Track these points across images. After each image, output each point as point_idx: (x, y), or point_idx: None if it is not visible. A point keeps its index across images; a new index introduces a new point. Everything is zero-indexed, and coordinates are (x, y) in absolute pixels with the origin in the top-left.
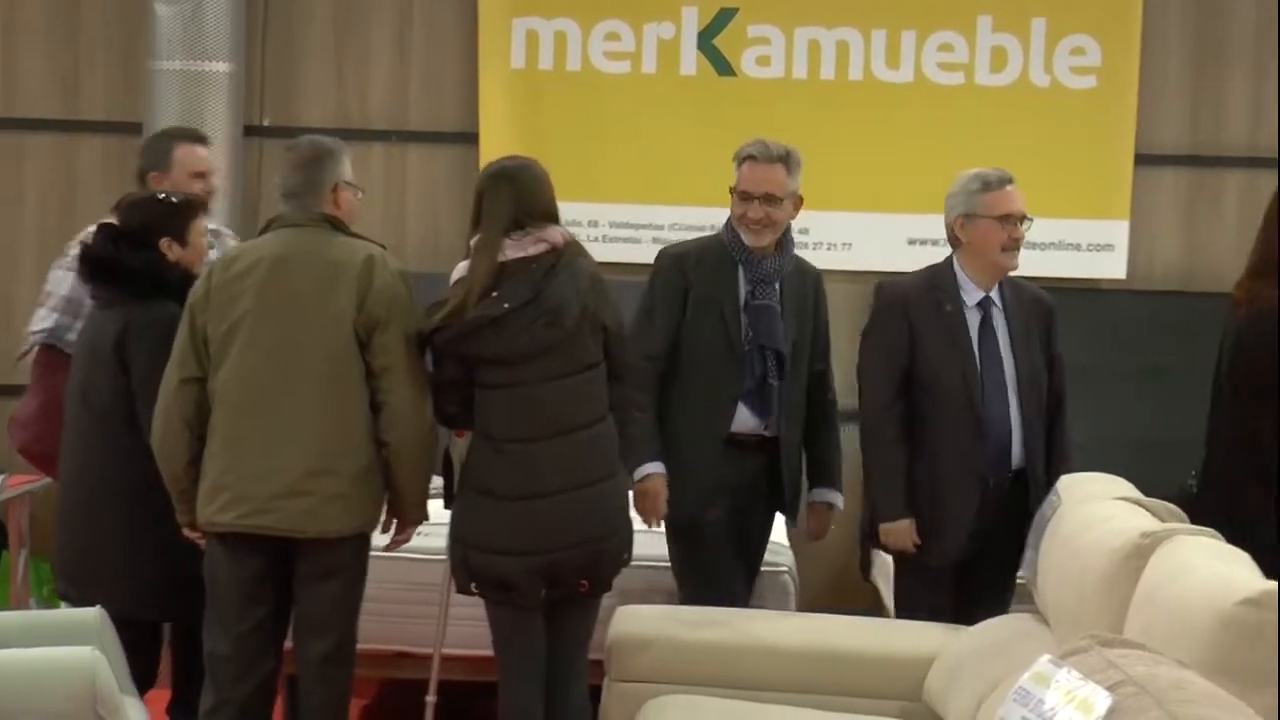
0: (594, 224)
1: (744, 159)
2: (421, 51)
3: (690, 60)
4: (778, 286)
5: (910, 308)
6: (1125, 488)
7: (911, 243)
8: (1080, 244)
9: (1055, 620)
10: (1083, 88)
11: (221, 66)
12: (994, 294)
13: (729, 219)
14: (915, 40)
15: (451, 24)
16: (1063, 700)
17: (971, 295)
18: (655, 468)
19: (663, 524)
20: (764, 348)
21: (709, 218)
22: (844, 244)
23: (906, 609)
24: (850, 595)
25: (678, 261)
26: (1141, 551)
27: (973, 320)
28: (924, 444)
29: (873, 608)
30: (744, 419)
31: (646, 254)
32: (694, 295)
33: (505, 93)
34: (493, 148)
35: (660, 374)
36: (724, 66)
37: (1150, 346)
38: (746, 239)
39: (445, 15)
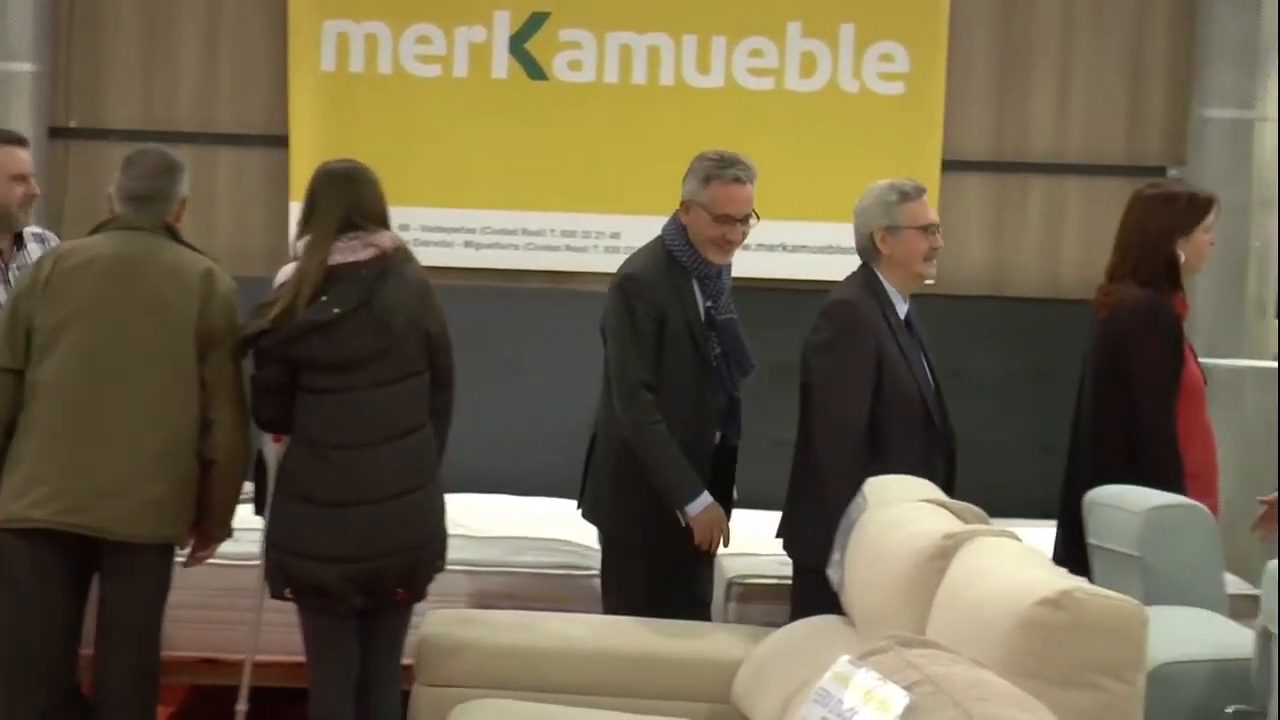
0: (405, 228)
1: (729, 180)
2: (230, 53)
3: (502, 64)
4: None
5: (871, 323)
6: (930, 490)
7: None
8: None
9: (861, 621)
10: (891, 94)
11: (25, 66)
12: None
13: (677, 231)
14: (726, 46)
15: (260, 26)
16: (861, 700)
17: (900, 307)
18: (706, 499)
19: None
20: (731, 362)
21: (521, 222)
22: None
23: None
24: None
25: (650, 289)
26: (944, 553)
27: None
28: (885, 459)
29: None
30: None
31: (459, 258)
32: (667, 318)
33: (315, 95)
34: (303, 150)
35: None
36: (536, 70)
37: (958, 350)
38: (714, 257)
39: (254, 17)
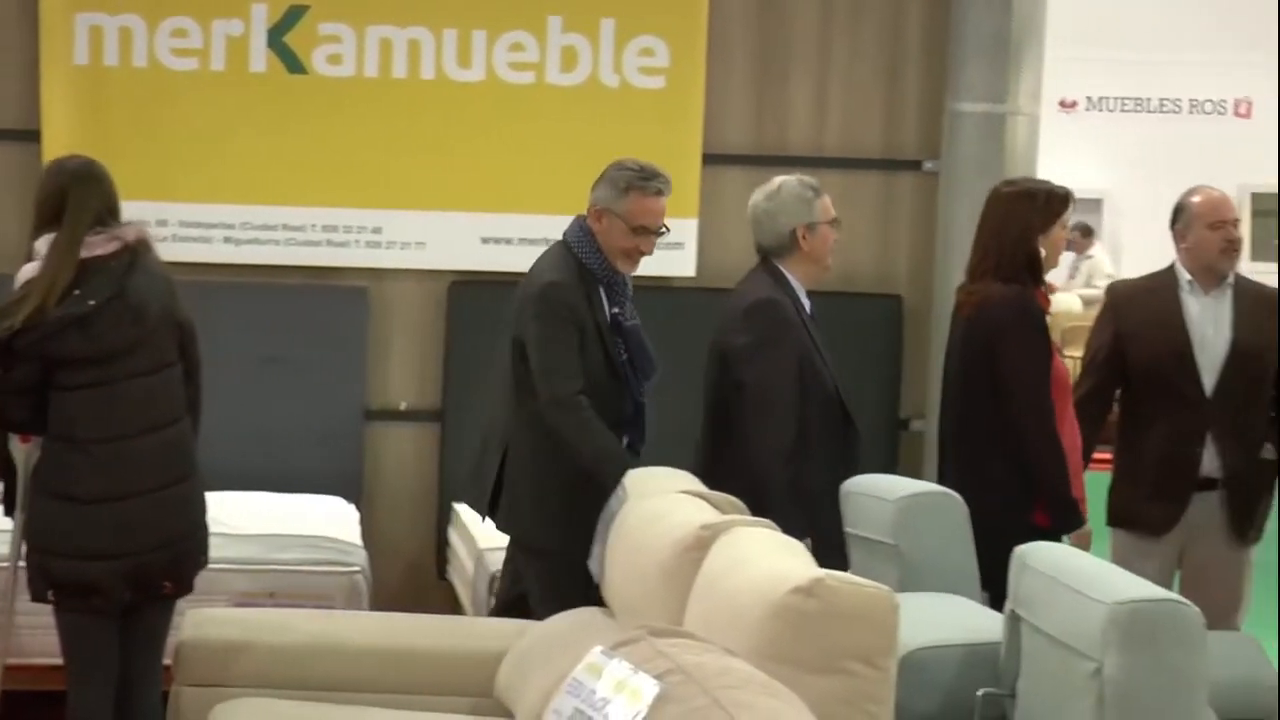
0: (163, 223)
1: (652, 192)
2: None
3: (260, 58)
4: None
5: (792, 319)
6: (689, 481)
7: (485, 241)
8: None
9: (620, 612)
10: (651, 88)
11: None
12: None
13: (585, 238)
14: (486, 40)
15: (11, 18)
16: (613, 690)
17: (807, 303)
18: None
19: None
20: (636, 367)
21: (281, 217)
22: (417, 243)
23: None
24: (426, 595)
25: (570, 294)
26: (701, 544)
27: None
28: (811, 454)
29: (449, 606)
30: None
31: (218, 253)
32: (584, 325)
33: (68, 89)
34: (56, 145)
35: None
36: (295, 64)
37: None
38: (623, 267)
39: (4, 9)
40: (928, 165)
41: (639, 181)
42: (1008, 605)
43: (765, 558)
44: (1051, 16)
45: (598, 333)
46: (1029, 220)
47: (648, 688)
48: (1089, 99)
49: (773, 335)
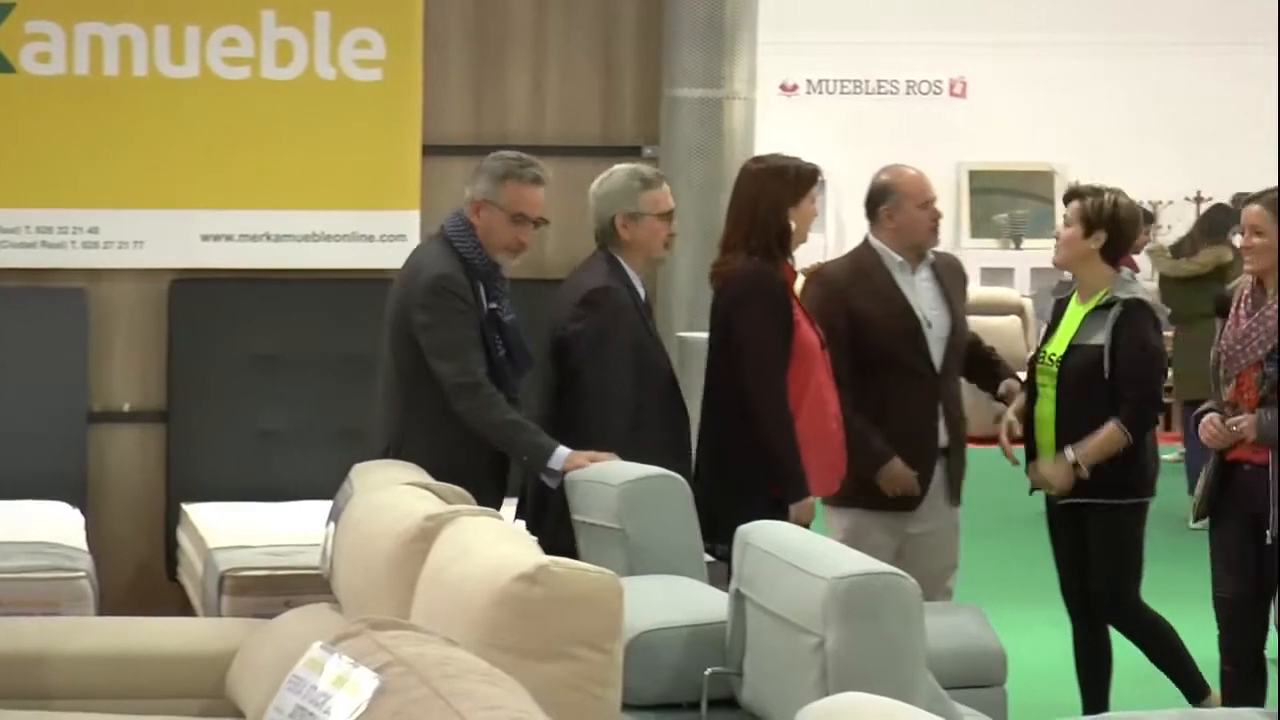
0: None
1: (528, 179)
2: None
3: None
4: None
5: (627, 307)
6: (415, 473)
7: (206, 239)
8: (373, 235)
9: (348, 606)
10: (369, 80)
11: None
12: None
13: (465, 232)
14: (200, 35)
15: None
16: (333, 685)
17: (640, 289)
18: (564, 449)
19: None
20: (514, 362)
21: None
22: (136, 242)
23: None
24: (157, 597)
25: (460, 286)
26: (426, 534)
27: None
28: (648, 438)
29: (180, 608)
30: None
31: None
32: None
33: None
34: None
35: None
36: (2, 64)
37: None
38: (505, 260)
39: None
40: (647, 151)
41: (516, 169)
42: (732, 584)
43: (490, 546)
44: (769, 1)
45: (479, 329)
46: (780, 195)
47: (367, 681)
48: (809, 81)
49: (606, 324)
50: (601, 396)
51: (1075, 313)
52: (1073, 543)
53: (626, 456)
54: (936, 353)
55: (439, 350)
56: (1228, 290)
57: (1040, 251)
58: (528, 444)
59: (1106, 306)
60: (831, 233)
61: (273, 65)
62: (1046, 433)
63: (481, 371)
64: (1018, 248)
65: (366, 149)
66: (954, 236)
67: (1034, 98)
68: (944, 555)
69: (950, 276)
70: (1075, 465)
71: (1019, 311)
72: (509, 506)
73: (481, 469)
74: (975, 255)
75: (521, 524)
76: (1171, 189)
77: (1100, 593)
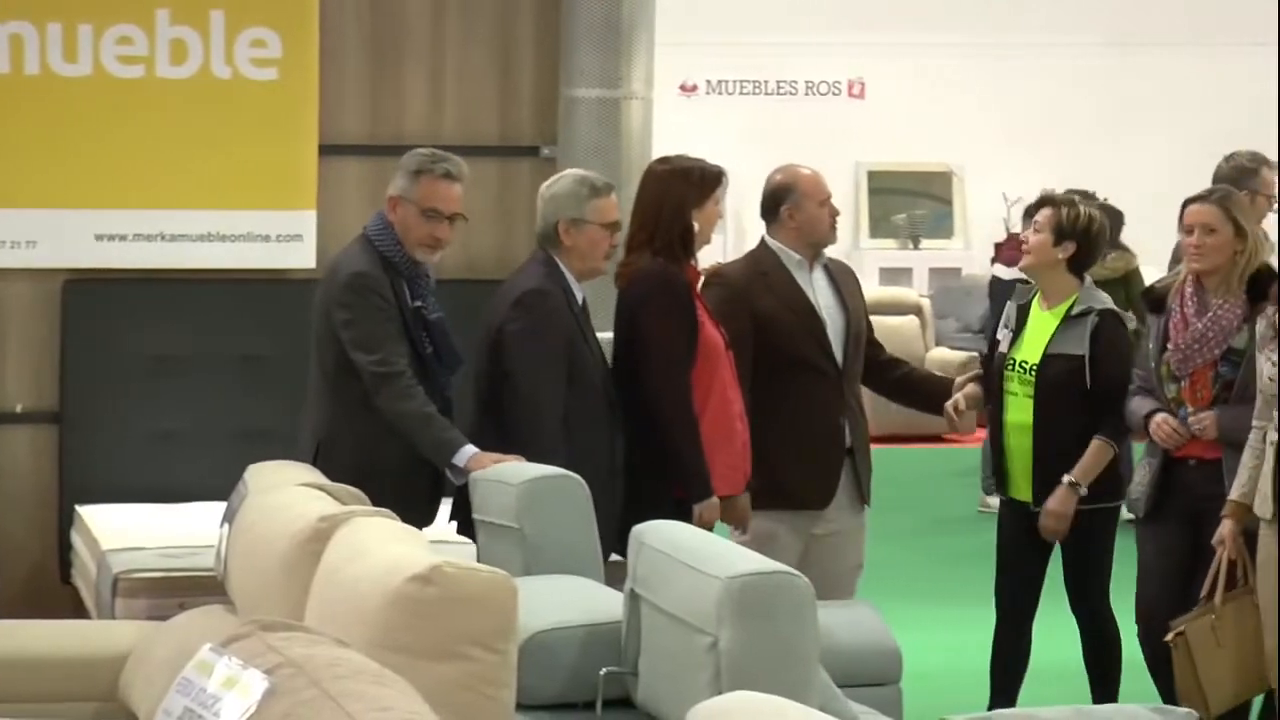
0: None
1: (440, 175)
2: None
3: None
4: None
5: (561, 309)
6: (310, 474)
7: (100, 239)
8: (269, 235)
9: (242, 608)
10: (265, 79)
11: None
12: None
13: (384, 230)
14: (93, 33)
15: None
16: (223, 687)
17: (578, 293)
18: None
19: None
20: (442, 359)
21: None
22: (29, 242)
23: None
24: (50, 599)
25: (377, 284)
26: (320, 535)
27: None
28: (574, 440)
29: (73, 610)
30: None
31: None
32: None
33: None
34: None
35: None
36: None
37: None
38: (423, 256)
39: None
40: (545, 151)
41: (428, 165)
42: (627, 584)
43: (384, 547)
44: (668, 2)
45: (403, 325)
46: (684, 196)
47: (257, 683)
48: (708, 82)
49: (538, 325)
50: (532, 398)
51: (1044, 320)
52: (1028, 541)
53: (556, 459)
54: (838, 351)
55: (360, 343)
56: (1159, 288)
57: (939, 252)
58: (433, 439)
59: (1080, 316)
60: (731, 233)
61: (167, 64)
62: (1022, 439)
63: (403, 363)
64: (916, 248)
65: (262, 149)
66: (853, 237)
67: (933, 98)
68: (850, 556)
69: (843, 276)
70: (1074, 485)
71: (917, 311)
72: (448, 505)
73: (410, 466)
74: (874, 255)
75: (454, 525)
76: (1064, 188)
77: (1075, 588)
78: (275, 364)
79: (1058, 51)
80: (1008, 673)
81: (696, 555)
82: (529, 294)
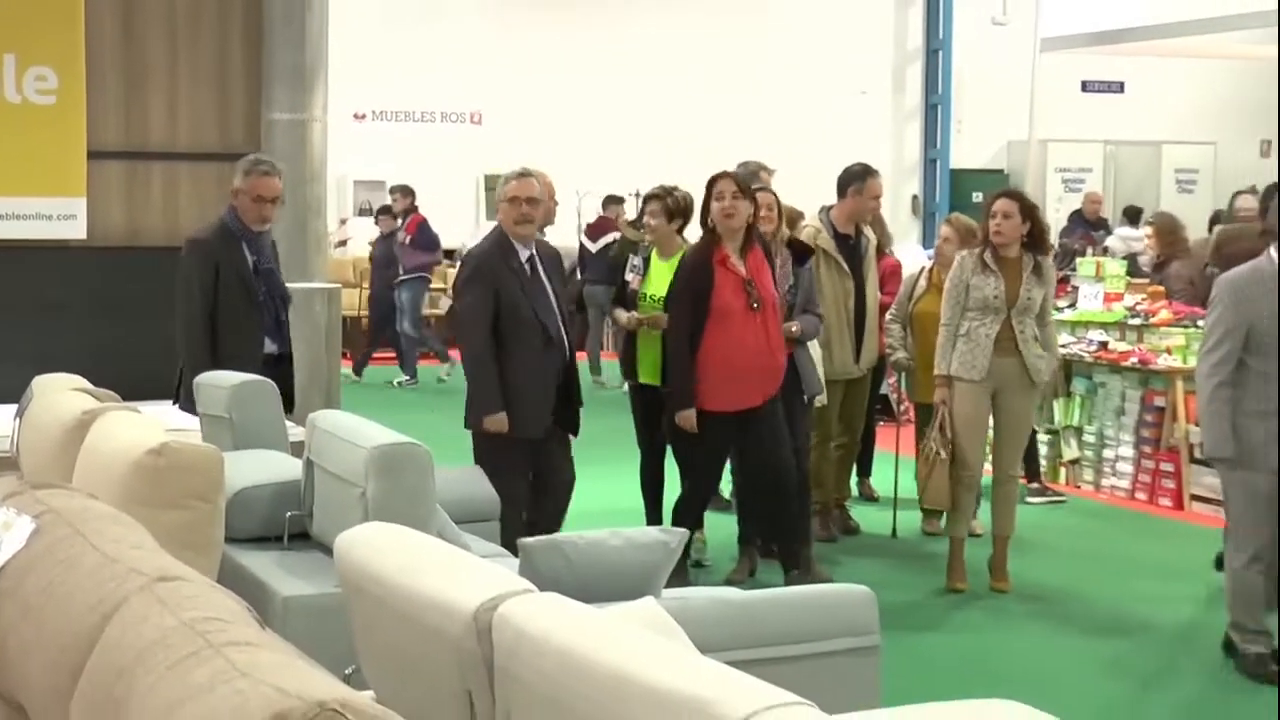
0: None
1: (261, 173)
2: None
3: None
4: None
5: (490, 268)
6: (80, 381)
7: None
8: (52, 215)
9: (28, 477)
10: (45, 104)
11: None
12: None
13: (230, 210)
14: None
15: None
16: (1, 530)
17: (522, 253)
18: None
19: None
20: (275, 298)
21: None
22: None
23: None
24: None
25: (206, 246)
26: (83, 424)
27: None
28: (513, 369)
29: None
30: (269, 345)
31: None
32: (221, 269)
33: None
34: None
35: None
36: None
37: (106, 288)
38: (257, 226)
39: None
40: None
41: (253, 166)
42: (305, 454)
43: (127, 431)
44: (351, 48)
45: (239, 276)
46: None
47: (26, 526)
48: (374, 111)
49: (468, 281)
50: (460, 326)
51: (663, 267)
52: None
53: (490, 369)
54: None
55: (183, 310)
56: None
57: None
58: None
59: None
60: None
61: None
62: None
63: (198, 307)
64: None
65: (45, 153)
66: (472, 231)
67: (539, 119)
68: None
69: (549, 262)
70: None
71: None
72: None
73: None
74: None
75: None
76: (645, 182)
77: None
78: (57, 309)
79: (633, 86)
80: (652, 493)
81: (352, 433)
82: (471, 254)
